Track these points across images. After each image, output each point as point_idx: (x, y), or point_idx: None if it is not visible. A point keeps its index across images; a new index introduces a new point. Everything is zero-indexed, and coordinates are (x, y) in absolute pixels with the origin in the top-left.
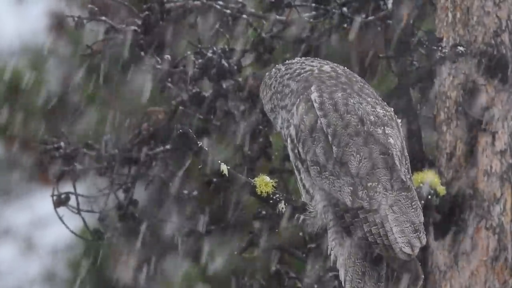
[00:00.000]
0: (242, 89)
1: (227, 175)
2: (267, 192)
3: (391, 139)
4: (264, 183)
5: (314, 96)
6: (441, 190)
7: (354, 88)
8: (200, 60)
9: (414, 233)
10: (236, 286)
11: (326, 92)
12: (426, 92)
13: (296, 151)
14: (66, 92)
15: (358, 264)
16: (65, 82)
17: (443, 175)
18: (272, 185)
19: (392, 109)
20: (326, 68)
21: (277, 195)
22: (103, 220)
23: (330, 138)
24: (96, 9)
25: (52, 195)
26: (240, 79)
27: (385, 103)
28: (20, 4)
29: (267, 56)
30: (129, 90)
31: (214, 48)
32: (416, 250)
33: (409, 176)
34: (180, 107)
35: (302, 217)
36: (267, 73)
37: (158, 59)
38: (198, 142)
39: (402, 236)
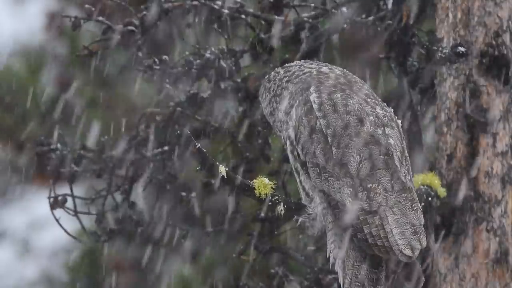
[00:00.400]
0: (240, 90)
1: (225, 177)
2: (266, 194)
3: (391, 139)
4: (263, 185)
5: (313, 97)
6: (442, 192)
7: (353, 88)
8: (198, 61)
9: (414, 235)
10: None
11: (325, 93)
12: (427, 93)
13: (295, 152)
14: (62, 93)
15: (357, 266)
16: (62, 83)
17: (444, 177)
18: (271, 187)
19: (392, 109)
20: (325, 69)
21: (276, 197)
22: (100, 222)
23: (329, 139)
24: (93, 9)
25: (49, 197)
26: (238, 80)
27: (385, 103)
28: (17, 4)
29: (266, 56)
30: (127, 91)
31: (212, 49)
32: (416, 252)
33: (409, 178)
34: (178, 108)
35: (301, 219)
36: (266, 77)
37: (156, 59)
38: (196, 144)
39: (402, 238)
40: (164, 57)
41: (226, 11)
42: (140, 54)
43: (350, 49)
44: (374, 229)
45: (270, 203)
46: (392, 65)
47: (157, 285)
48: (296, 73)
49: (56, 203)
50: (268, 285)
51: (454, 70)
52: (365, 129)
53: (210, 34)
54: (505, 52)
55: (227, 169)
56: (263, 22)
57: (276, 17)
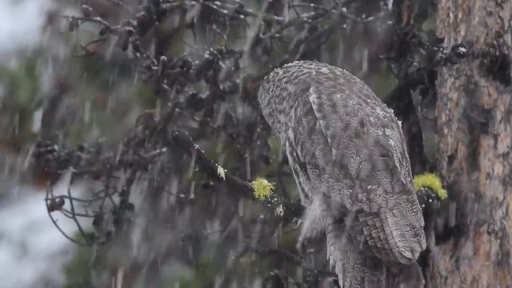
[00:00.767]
0: (239, 91)
1: (224, 179)
2: (265, 195)
3: (391, 140)
4: (262, 186)
5: (312, 97)
6: (442, 193)
7: (353, 89)
8: (197, 61)
9: (415, 237)
10: None
11: (325, 94)
12: (427, 94)
13: (294, 154)
14: (60, 94)
15: (357, 269)
16: (60, 84)
17: (444, 179)
18: (270, 189)
19: (392, 110)
20: (324, 70)
21: (275, 199)
22: (98, 224)
23: (329, 140)
24: (91, 9)
25: (46, 199)
26: (237, 81)
27: (385, 104)
28: (14, 4)
29: (265, 57)
30: (124, 92)
31: (211, 49)
32: (417, 255)
33: (409, 179)
34: (177, 109)
35: (300, 221)
36: (265, 77)
37: (154, 60)
38: (195, 145)
39: (402, 240)
40: (163, 57)
41: (225, 11)
42: (138, 54)
43: (350, 49)
44: (374, 231)
45: (269, 205)
46: (392, 66)
47: None
48: (295, 74)
49: (54, 205)
50: None
51: (455, 71)
52: (365, 130)
53: (209, 34)
54: (507, 52)
55: (225, 170)
56: (262, 22)
57: (276, 17)
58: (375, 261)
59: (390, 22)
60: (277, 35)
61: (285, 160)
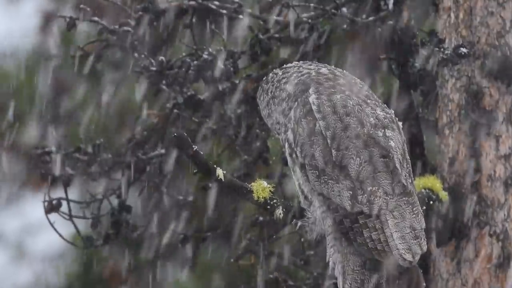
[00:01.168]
0: (238, 92)
1: (223, 180)
2: (264, 197)
3: (392, 142)
4: (261, 188)
5: (312, 98)
6: (443, 195)
7: (353, 90)
8: (195, 62)
9: (415, 240)
10: None
11: (325, 94)
12: (428, 95)
13: (294, 155)
14: (57, 95)
15: (357, 271)
16: (57, 84)
17: (446, 180)
18: (270, 191)
19: (393, 111)
20: (324, 70)
21: (275, 201)
22: (95, 227)
23: (329, 141)
24: (89, 9)
25: (44, 201)
26: (236, 81)
27: (386, 105)
28: (11, 4)
29: (264, 57)
30: (122, 93)
31: (210, 50)
32: (417, 257)
33: (410, 181)
34: (175, 110)
35: (300, 223)
36: (264, 78)
37: (152, 60)
38: (194, 146)
39: (403, 243)
40: (161, 58)
41: (224, 11)
42: (136, 55)
43: (350, 50)
44: (374, 233)
45: (268, 207)
46: (393, 66)
47: None
48: (294, 75)
49: (51, 207)
50: None
51: (456, 72)
52: (365, 131)
53: (207, 34)
54: (508, 53)
55: (224, 172)
56: (261, 23)
57: (275, 17)
58: (375, 264)
59: (390, 22)
60: (276, 35)
61: (285, 162)
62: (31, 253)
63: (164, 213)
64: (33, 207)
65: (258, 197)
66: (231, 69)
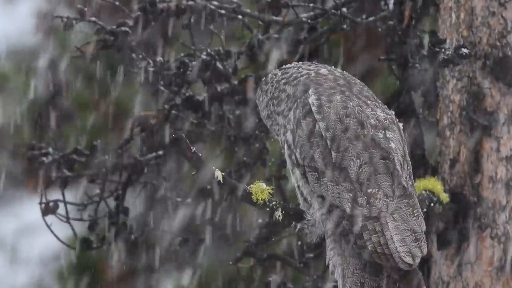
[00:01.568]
0: (237, 93)
1: (221, 182)
2: (263, 199)
3: (392, 143)
4: (260, 190)
5: (311, 99)
6: (444, 197)
7: (353, 90)
8: (194, 63)
9: (415, 242)
10: None
11: (324, 95)
12: (429, 96)
13: (293, 157)
14: (54, 96)
15: (357, 274)
16: (54, 85)
17: (446, 182)
18: (269, 192)
19: (393, 112)
20: (323, 71)
21: (274, 203)
22: (93, 229)
23: (328, 142)
24: (86, 9)
25: (40, 203)
26: (235, 82)
27: (386, 106)
28: (7, 4)
29: (263, 58)
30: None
31: (209, 50)
32: (417, 260)
33: (410, 183)
34: (173, 111)
35: (299, 225)
36: (263, 79)
37: (150, 61)
38: (192, 148)
39: (403, 245)
40: (159, 58)
41: (223, 11)
42: (134, 55)
43: (350, 50)
44: (374, 235)
45: (267, 209)
46: (393, 67)
47: None
48: (294, 75)
49: (48, 209)
50: None
51: (457, 72)
52: (365, 132)
53: (206, 35)
54: (510, 53)
55: (223, 173)
56: (260, 23)
57: (274, 17)
58: (375, 267)
59: (391, 22)
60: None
61: (284, 163)
62: (28, 256)
63: (162, 215)
64: (29, 209)
65: (257, 199)
66: (230, 69)
